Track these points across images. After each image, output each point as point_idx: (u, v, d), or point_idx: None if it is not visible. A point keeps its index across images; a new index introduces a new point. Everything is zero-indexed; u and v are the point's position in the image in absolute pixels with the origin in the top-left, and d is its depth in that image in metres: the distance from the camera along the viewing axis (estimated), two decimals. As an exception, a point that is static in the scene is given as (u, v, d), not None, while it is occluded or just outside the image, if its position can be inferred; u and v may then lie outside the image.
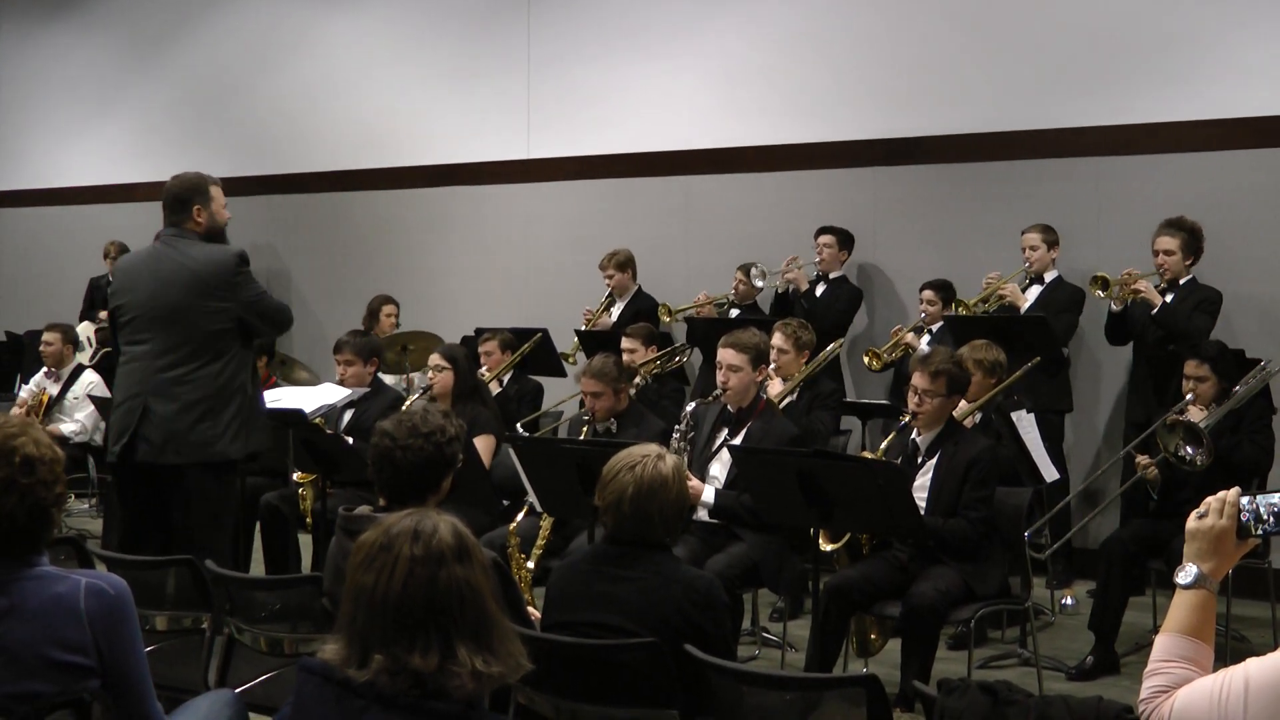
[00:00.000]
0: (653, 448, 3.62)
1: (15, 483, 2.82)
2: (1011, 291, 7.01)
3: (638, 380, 7.08)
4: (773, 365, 6.07)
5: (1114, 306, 6.69)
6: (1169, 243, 6.62)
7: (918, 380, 5.15)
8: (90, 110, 11.94)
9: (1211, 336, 6.32)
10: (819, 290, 7.82)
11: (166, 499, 5.13)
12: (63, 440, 8.33)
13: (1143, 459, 5.65)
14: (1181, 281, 6.63)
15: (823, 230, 7.90)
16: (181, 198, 5.23)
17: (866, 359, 7.38)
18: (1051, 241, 7.11)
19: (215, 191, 5.28)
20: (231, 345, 5.16)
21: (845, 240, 7.89)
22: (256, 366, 5.50)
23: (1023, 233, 7.18)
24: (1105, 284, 6.62)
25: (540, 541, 5.61)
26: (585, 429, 6.02)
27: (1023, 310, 6.98)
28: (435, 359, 6.43)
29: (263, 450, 5.41)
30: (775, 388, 6.12)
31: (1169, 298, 6.57)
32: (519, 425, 7.20)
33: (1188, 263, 6.64)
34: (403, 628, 2.25)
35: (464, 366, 6.40)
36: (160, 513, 5.15)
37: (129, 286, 5.23)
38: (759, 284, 7.82)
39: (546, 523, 5.63)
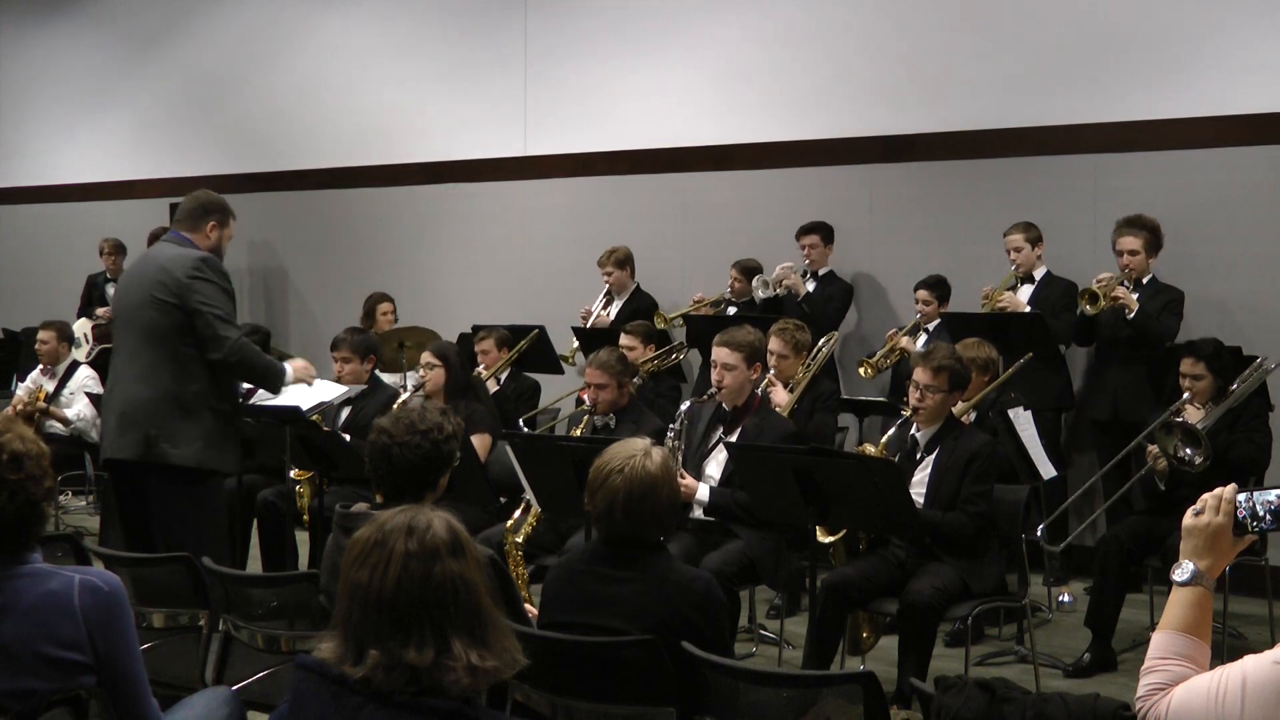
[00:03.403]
0: (638, 443, 3.55)
1: (4, 480, 2.82)
2: (1010, 299, 7.01)
3: (636, 379, 7.08)
4: (772, 371, 6.05)
5: (1088, 310, 6.71)
6: (1133, 242, 6.66)
7: (920, 375, 5.15)
8: (87, 107, 11.93)
9: (1212, 335, 6.32)
10: (810, 288, 7.82)
11: (144, 500, 5.10)
12: (65, 422, 8.35)
13: (1153, 449, 5.62)
14: (1144, 280, 6.68)
15: (806, 230, 7.90)
16: (206, 208, 5.25)
17: (861, 369, 7.37)
18: (1034, 239, 7.11)
19: (233, 224, 5.33)
20: (189, 350, 5.03)
21: (828, 235, 7.92)
22: (235, 386, 5.34)
23: (1005, 234, 7.17)
24: (1095, 298, 6.63)
25: (526, 528, 5.56)
26: (585, 421, 6.00)
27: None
28: (427, 357, 6.42)
29: (230, 472, 5.32)
30: (780, 396, 6.07)
31: (1134, 297, 6.60)
32: (520, 422, 7.21)
33: (1150, 260, 6.68)
34: (397, 623, 2.25)
35: (456, 364, 6.38)
36: (144, 514, 5.12)
37: (117, 289, 5.31)
38: (761, 294, 7.80)
39: (534, 513, 5.59)
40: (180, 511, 5.03)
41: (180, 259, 5.06)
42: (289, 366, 5.43)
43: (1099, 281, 6.65)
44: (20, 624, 2.80)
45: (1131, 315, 6.55)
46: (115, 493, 5.36)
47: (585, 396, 6.15)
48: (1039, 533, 5.57)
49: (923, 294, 7.36)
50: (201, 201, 5.27)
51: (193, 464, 5.04)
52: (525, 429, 7.04)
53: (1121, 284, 6.64)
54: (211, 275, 5.06)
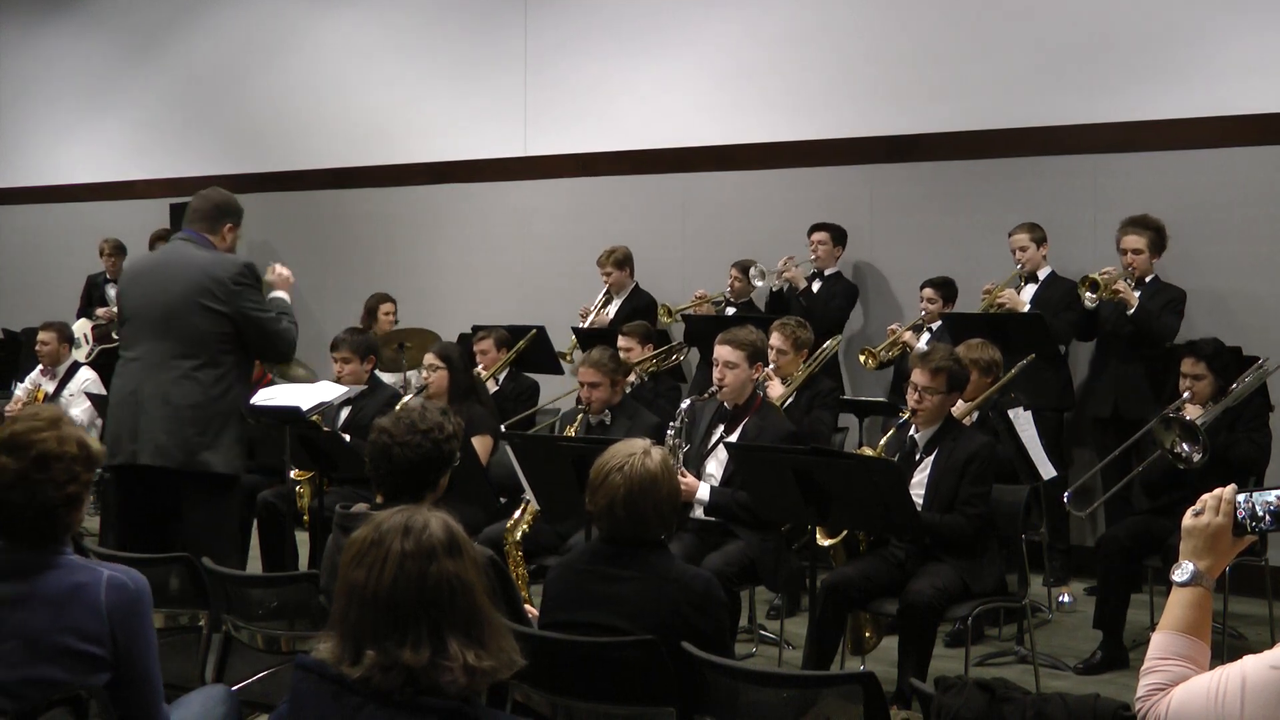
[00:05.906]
0: (638, 443, 3.58)
1: (26, 477, 2.85)
2: (1010, 297, 7.02)
3: (632, 378, 7.08)
4: (771, 365, 6.06)
5: (1088, 304, 6.72)
6: (1137, 241, 6.70)
7: (918, 377, 5.15)
8: (88, 107, 11.93)
9: (1212, 334, 6.32)
10: (815, 287, 7.82)
11: (163, 505, 5.05)
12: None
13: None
14: (1147, 279, 6.71)
15: (816, 227, 7.90)
16: (222, 210, 5.25)
17: (863, 358, 7.39)
18: (1040, 239, 7.12)
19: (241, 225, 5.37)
20: (229, 356, 5.08)
21: (839, 236, 7.91)
22: (249, 384, 5.40)
23: (1010, 234, 7.18)
24: (1095, 286, 6.65)
25: (524, 525, 5.56)
26: (579, 420, 6.02)
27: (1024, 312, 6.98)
28: (430, 358, 6.41)
29: (240, 473, 5.29)
30: (776, 389, 6.08)
31: (1137, 295, 6.63)
32: (507, 423, 7.20)
33: (1154, 260, 6.72)
34: (394, 622, 2.24)
35: (459, 366, 6.38)
36: (157, 518, 5.07)
37: (133, 286, 5.20)
38: (758, 283, 7.81)
39: (530, 511, 5.60)
40: (216, 519, 5.04)
41: (222, 264, 5.08)
42: (283, 295, 5.39)
43: (1103, 274, 6.68)
44: (46, 613, 2.84)
45: (1131, 312, 6.58)
46: (120, 496, 5.24)
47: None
48: (1065, 498, 5.83)
49: (928, 292, 7.36)
50: (216, 203, 5.26)
51: (231, 471, 5.08)
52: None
53: (1125, 280, 6.67)
54: (255, 282, 5.13)
